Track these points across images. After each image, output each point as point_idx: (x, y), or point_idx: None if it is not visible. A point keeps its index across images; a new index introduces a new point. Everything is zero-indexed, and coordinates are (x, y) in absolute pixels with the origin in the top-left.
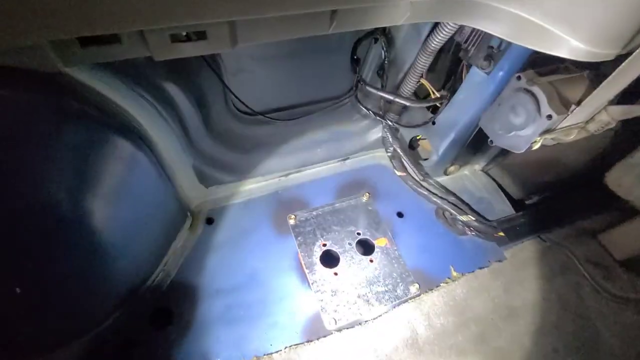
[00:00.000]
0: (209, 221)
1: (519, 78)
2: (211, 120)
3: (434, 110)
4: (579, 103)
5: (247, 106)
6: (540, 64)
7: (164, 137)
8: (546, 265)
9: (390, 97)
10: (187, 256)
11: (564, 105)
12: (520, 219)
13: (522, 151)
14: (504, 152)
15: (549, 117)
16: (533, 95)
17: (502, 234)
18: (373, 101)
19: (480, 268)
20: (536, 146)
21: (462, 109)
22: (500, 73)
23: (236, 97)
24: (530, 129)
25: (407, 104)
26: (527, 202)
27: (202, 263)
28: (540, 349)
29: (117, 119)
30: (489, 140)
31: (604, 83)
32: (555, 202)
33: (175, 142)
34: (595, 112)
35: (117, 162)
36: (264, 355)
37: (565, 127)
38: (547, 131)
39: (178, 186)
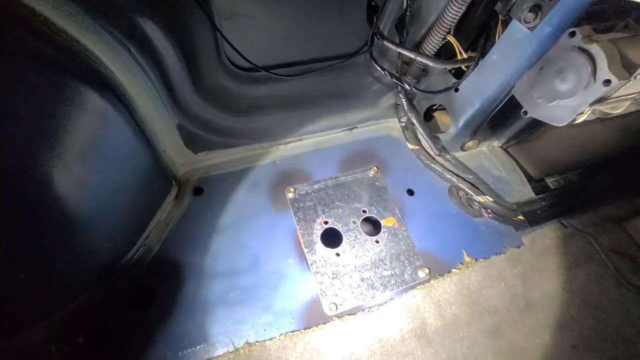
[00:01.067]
0: (198, 191)
1: (572, 34)
2: (199, 73)
3: (458, 75)
4: None
5: (243, 56)
6: (597, 19)
7: (141, 90)
8: (567, 253)
9: (411, 55)
10: (172, 230)
11: (627, 68)
12: (541, 202)
13: (564, 124)
14: (529, 128)
15: (607, 82)
16: (589, 55)
17: (521, 217)
18: (389, 62)
19: (497, 254)
20: (581, 119)
21: (493, 73)
22: (548, 29)
23: (229, 43)
24: (580, 98)
25: (430, 63)
26: (548, 184)
27: (189, 238)
28: (559, 344)
29: (82, 65)
30: (522, 111)
31: None
32: (579, 185)
33: (154, 96)
34: None
35: (81, 117)
36: (256, 342)
37: (620, 97)
38: (599, 101)
39: (160, 150)
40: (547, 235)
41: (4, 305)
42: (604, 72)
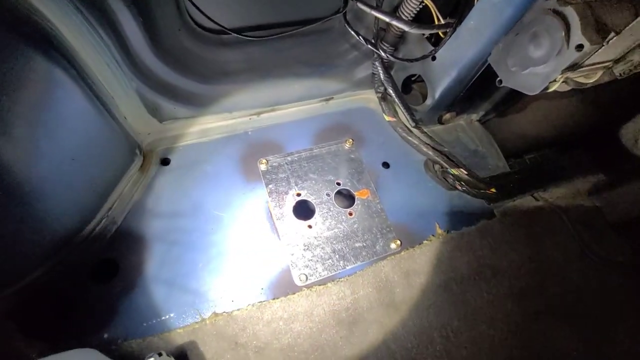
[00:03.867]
0: (165, 162)
1: None
2: (158, 34)
3: (436, 42)
4: (618, 31)
5: (205, 15)
6: None
7: (92, 51)
8: (537, 225)
9: (386, 19)
10: (136, 201)
11: (600, 33)
12: (515, 175)
13: (536, 93)
14: (506, 101)
15: (580, 47)
16: (564, 18)
17: (493, 190)
18: (365, 27)
19: (468, 226)
20: (554, 87)
21: (469, 40)
22: None
23: (192, 2)
24: (552, 64)
25: (406, 28)
26: (524, 158)
27: (155, 209)
28: (522, 311)
29: (26, 23)
30: (497, 80)
31: None
32: (553, 159)
33: (109, 58)
34: (630, 48)
35: (23, 78)
36: (223, 312)
37: (591, 65)
38: (572, 67)
39: (120, 117)
40: (518, 207)
41: None
42: (577, 36)
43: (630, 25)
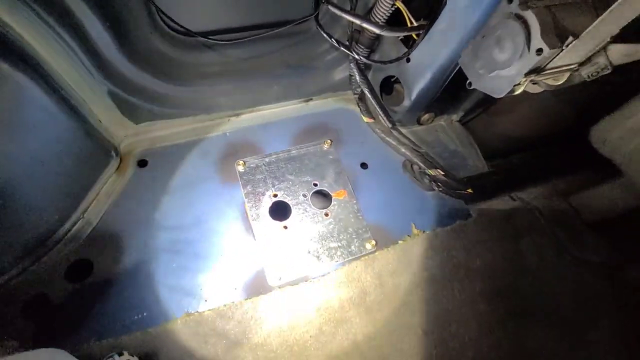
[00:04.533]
0: (142, 163)
1: (510, 0)
2: (128, 37)
3: (410, 44)
4: (576, 35)
5: (172, 19)
6: None
7: (55, 54)
8: (512, 225)
9: (357, 21)
10: (113, 203)
11: (560, 37)
12: (493, 176)
13: (502, 96)
14: (484, 101)
15: (539, 51)
16: (525, 22)
17: (470, 190)
18: (342, 29)
19: (443, 226)
20: (519, 90)
21: (441, 42)
22: None
23: (156, 7)
24: (515, 67)
25: (377, 31)
26: (504, 159)
27: (131, 211)
28: (495, 311)
29: None
30: (467, 82)
31: (611, 8)
32: (532, 159)
33: (74, 61)
34: (593, 51)
35: None
36: (195, 312)
37: (556, 68)
38: (535, 71)
39: (93, 119)
40: (494, 208)
41: None
42: (537, 40)
43: (589, 29)
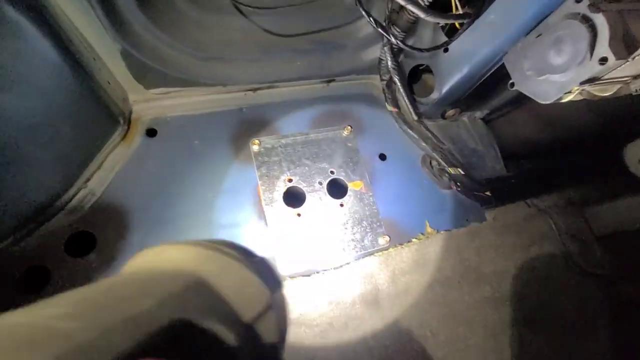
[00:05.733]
0: (151, 133)
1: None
2: None
3: (450, 33)
4: None
5: None
6: None
7: (72, 7)
8: (526, 232)
9: (402, 1)
10: (118, 173)
11: (627, 47)
12: (511, 179)
13: (549, 102)
14: (514, 102)
15: (603, 60)
16: (592, 26)
17: (488, 193)
18: (378, 7)
19: (458, 227)
20: (568, 98)
21: (486, 35)
22: None
23: None
24: (571, 74)
25: (421, 14)
26: (522, 162)
27: (138, 183)
28: (500, 317)
29: None
30: (509, 82)
31: None
32: (551, 166)
33: (89, 13)
34: None
35: None
36: None
37: (611, 79)
38: (591, 80)
39: (102, 80)
40: (510, 213)
41: None
42: (603, 48)
43: None
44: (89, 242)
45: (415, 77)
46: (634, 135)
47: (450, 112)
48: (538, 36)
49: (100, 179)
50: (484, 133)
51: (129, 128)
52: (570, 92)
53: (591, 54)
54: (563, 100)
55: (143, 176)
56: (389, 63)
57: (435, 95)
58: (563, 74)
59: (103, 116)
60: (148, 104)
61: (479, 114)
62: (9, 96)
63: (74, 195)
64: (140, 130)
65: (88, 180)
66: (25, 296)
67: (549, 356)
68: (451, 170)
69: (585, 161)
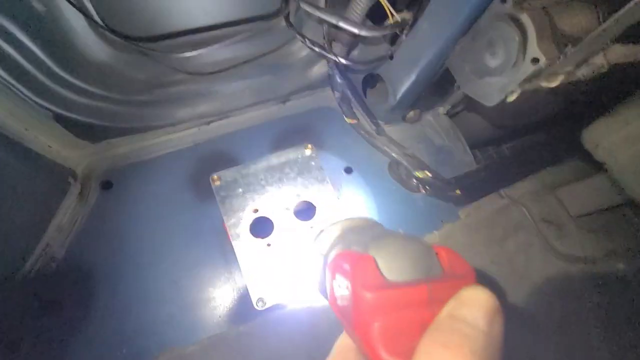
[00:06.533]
0: (106, 185)
1: (503, 0)
2: (69, 54)
3: (394, 40)
4: (575, 41)
5: (112, 31)
6: None
7: None
8: (500, 225)
9: (334, 21)
10: (78, 232)
11: (557, 43)
12: (480, 173)
13: (494, 104)
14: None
15: (535, 61)
16: (520, 26)
17: (458, 192)
18: (314, 26)
19: (431, 231)
20: (512, 98)
21: (426, 40)
22: None
23: (92, 19)
24: (507, 76)
25: (356, 31)
26: (491, 152)
27: (100, 239)
28: None
29: None
30: (455, 85)
31: (621, 12)
32: (520, 152)
33: (11, 95)
34: (593, 55)
35: None
36: (175, 346)
37: (552, 72)
38: (530, 79)
39: (41, 148)
40: (482, 208)
41: None
42: (532, 48)
43: (593, 34)
44: (56, 307)
45: (372, 82)
46: (589, 119)
47: (411, 115)
48: (473, 39)
49: (59, 243)
50: (448, 127)
51: (83, 185)
52: (512, 92)
53: (524, 55)
54: (509, 100)
55: (104, 231)
56: (338, 79)
57: (391, 102)
58: (500, 77)
59: (50, 180)
60: (97, 156)
61: (441, 110)
62: None
63: (34, 264)
64: (94, 186)
65: (46, 246)
66: None
67: (540, 349)
68: (419, 174)
69: (554, 143)
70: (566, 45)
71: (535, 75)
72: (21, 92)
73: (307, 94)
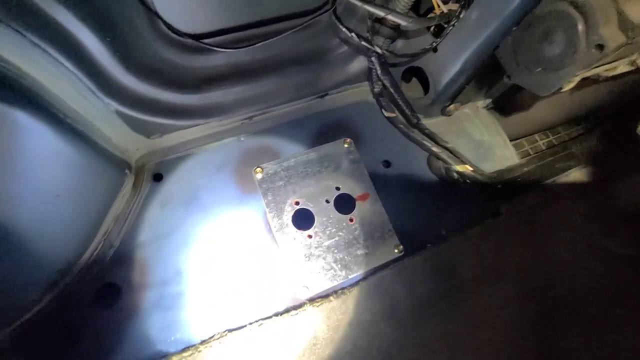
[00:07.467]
0: (157, 178)
1: None
2: (132, 50)
3: (438, 32)
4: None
5: (173, 30)
6: None
7: (60, 84)
8: (543, 221)
9: (379, 12)
10: (132, 221)
11: (623, 29)
12: (522, 168)
13: (550, 93)
14: (516, 88)
15: (599, 47)
16: (582, 12)
17: (499, 186)
18: (359, 19)
19: (473, 227)
20: (569, 86)
21: (473, 32)
22: None
23: (156, 14)
24: (567, 65)
25: (402, 22)
26: (534, 145)
27: (152, 228)
28: (527, 313)
29: None
30: (505, 75)
31: None
32: (565, 146)
33: (80, 87)
34: None
35: None
36: (226, 331)
37: (613, 60)
38: (590, 66)
39: (103, 141)
40: (525, 203)
41: None
42: (596, 35)
43: None
44: (114, 293)
45: (407, 77)
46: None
47: (451, 108)
48: (528, 27)
49: (116, 230)
50: (488, 122)
51: (136, 177)
52: (571, 81)
53: (586, 42)
54: (565, 89)
55: (154, 221)
56: (379, 71)
57: (431, 95)
58: (558, 66)
59: (110, 172)
60: (150, 149)
61: (481, 104)
62: (16, 183)
63: (94, 251)
64: (147, 177)
65: (105, 233)
66: (61, 351)
67: (584, 348)
68: (459, 168)
69: (602, 137)
70: (632, 31)
71: (597, 63)
72: (90, 85)
73: (345, 88)
